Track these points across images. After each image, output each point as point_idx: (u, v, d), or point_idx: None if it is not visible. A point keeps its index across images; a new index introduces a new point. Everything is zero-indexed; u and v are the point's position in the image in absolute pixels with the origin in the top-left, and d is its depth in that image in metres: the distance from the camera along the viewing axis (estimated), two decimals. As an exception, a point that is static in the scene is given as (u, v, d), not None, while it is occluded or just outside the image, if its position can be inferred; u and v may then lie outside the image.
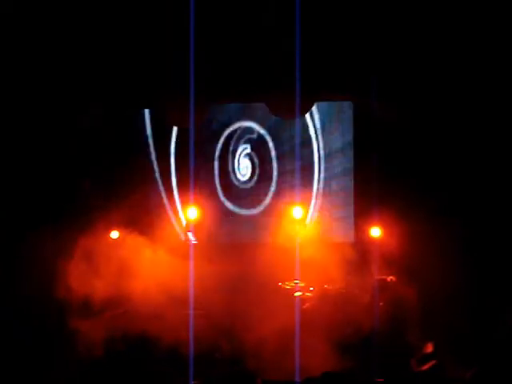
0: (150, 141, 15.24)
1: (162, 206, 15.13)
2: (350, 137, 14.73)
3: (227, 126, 15.26)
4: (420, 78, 13.33)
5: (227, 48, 13.48)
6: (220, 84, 13.81)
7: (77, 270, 12.48)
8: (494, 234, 13.33)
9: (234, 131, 15.25)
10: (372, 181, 13.56)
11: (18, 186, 13.71)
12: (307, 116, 14.84)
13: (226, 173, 15.24)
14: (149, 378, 10.49)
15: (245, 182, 15.25)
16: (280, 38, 12.92)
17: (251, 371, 8.08)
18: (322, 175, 14.92)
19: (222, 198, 15.16)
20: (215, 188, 15.14)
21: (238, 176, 15.22)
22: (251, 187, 15.19)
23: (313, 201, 14.84)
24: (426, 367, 11.41)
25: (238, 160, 15.22)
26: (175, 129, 15.21)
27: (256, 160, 15.19)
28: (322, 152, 14.94)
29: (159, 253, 13.10)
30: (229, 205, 15.20)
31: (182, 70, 12.43)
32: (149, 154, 15.20)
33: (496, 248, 13.20)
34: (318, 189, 14.90)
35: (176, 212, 15.05)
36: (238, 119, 15.25)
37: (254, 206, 15.10)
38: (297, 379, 9.56)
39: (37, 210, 13.72)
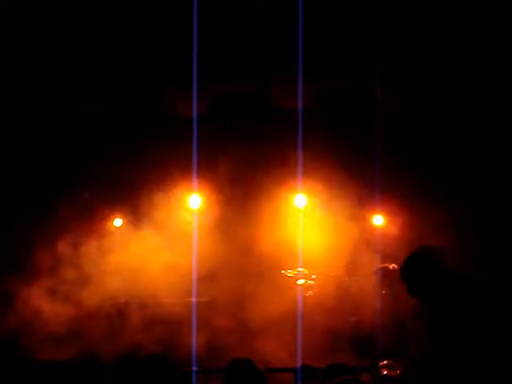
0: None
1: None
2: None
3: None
4: (424, 66, 13.30)
5: (229, 36, 13.45)
6: (222, 72, 13.79)
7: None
8: (499, 224, 13.32)
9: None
10: (375, 169, 13.56)
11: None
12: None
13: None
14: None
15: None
16: (283, 24, 12.88)
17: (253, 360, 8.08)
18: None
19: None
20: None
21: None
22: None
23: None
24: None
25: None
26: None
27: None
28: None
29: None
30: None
31: (185, 60, 12.43)
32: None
33: (500, 238, 13.20)
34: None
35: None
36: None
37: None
38: (299, 366, 9.60)
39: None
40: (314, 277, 13.78)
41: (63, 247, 13.21)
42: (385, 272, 13.29)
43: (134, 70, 13.73)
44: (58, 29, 13.13)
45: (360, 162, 14.30)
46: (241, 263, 13.36)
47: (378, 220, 13.94)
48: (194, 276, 12.35)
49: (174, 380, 9.87)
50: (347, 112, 14.33)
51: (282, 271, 13.79)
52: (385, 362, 10.71)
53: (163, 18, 13.06)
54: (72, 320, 12.74)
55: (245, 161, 14.61)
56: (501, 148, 13.30)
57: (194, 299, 12.35)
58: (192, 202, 14.25)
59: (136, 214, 13.78)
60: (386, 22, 12.93)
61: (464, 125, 13.40)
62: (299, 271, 13.77)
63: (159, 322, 12.74)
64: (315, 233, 13.80)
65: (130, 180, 14.02)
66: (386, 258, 13.26)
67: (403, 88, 13.47)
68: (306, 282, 13.72)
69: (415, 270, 8.06)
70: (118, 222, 13.95)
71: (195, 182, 13.93)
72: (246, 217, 14.24)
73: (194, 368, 10.10)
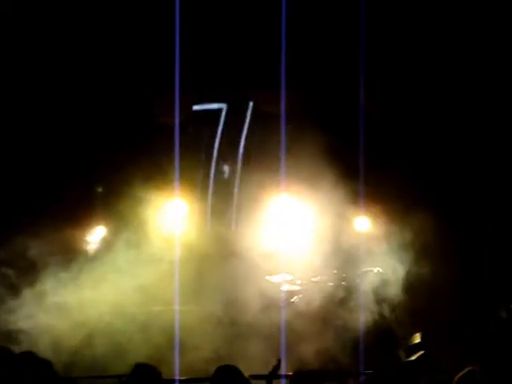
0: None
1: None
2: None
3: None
4: (407, 70, 13.37)
5: (214, 47, 13.51)
6: (207, 83, 13.81)
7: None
8: (487, 225, 13.35)
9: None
10: (358, 172, 13.54)
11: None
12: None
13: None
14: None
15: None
16: (266, 35, 12.94)
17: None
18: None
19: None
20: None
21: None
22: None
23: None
24: (414, 357, 11.41)
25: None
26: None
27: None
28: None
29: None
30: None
31: (170, 70, 12.44)
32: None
33: (488, 239, 13.22)
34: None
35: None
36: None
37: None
38: (283, 373, 9.54)
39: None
40: (298, 282, 13.74)
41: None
42: (369, 276, 13.30)
43: (122, 76, 13.76)
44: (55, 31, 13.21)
45: (344, 164, 14.30)
46: (225, 268, 13.31)
47: (363, 223, 13.91)
48: (177, 283, 12.29)
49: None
50: (332, 114, 14.34)
51: (267, 277, 13.72)
52: None
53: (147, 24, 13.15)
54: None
55: (230, 164, 14.63)
56: (486, 148, 13.35)
57: (177, 307, 12.28)
58: (175, 208, 14.19)
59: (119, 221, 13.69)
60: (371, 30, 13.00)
61: (446, 126, 13.45)
62: (283, 277, 13.72)
63: (144, 330, 12.66)
64: (299, 237, 13.76)
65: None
66: (370, 261, 13.30)
67: (386, 94, 13.51)
68: (290, 288, 13.68)
69: None
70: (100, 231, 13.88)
71: (178, 188, 13.88)
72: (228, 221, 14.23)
73: (177, 377, 10.02)
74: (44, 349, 11.06)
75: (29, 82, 13.38)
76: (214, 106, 14.72)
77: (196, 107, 14.61)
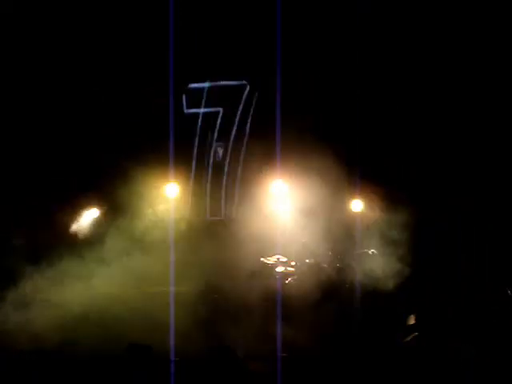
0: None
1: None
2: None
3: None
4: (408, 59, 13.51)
5: (211, 29, 13.54)
6: (203, 63, 13.81)
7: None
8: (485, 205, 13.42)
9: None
10: (355, 155, 13.55)
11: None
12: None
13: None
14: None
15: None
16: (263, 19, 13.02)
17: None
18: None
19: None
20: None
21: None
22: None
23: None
24: (408, 339, 11.43)
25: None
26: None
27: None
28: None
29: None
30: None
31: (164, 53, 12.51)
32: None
33: (487, 218, 13.28)
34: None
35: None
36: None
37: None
38: (278, 354, 9.56)
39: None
40: (293, 264, 13.73)
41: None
42: (364, 257, 13.30)
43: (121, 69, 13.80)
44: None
45: (339, 148, 14.27)
46: (221, 251, 13.31)
47: (357, 205, 13.90)
48: (172, 265, 12.28)
49: (154, 370, 9.85)
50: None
51: (261, 259, 13.72)
52: None
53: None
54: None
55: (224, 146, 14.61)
56: (474, 142, 13.43)
57: (172, 288, 12.28)
58: (169, 191, 14.16)
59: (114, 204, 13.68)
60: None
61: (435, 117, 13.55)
62: (278, 259, 13.71)
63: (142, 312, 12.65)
64: (293, 220, 13.75)
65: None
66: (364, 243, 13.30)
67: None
68: (285, 270, 13.67)
69: None
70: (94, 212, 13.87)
71: (172, 172, 13.86)
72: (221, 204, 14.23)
73: (173, 358, 10.03)
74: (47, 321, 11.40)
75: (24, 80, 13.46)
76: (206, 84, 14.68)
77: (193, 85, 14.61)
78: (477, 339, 10.92)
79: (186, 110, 14.63)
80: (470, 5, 13.13)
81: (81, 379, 9.93)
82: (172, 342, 10.54)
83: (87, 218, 13.87)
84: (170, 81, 12.91)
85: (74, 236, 13.74)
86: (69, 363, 10.27)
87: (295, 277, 13.52)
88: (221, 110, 14.79)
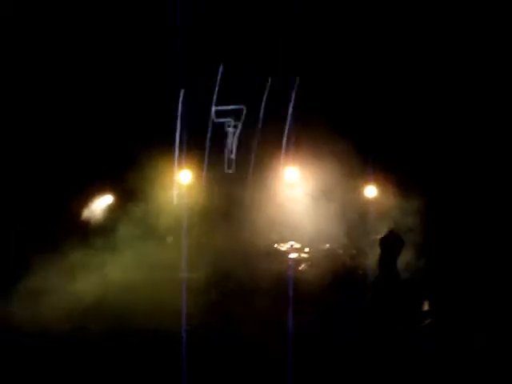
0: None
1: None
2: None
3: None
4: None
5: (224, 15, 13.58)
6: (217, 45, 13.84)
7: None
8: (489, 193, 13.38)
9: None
10: (369, 143, 13.54)
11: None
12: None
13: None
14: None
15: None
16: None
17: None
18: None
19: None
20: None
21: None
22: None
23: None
24: (422, 325, 11.38)
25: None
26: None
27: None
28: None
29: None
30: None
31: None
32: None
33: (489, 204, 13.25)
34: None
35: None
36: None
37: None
38: (290, 336, 9.54)
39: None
40: (307, 250, 13.70)
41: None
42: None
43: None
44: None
45: (352, 135, 14.25)
46: (234, 238, 13.31)
47: (371, 192, 13.87)
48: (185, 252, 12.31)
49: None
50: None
51: (275, 245, 13.70)
52: None
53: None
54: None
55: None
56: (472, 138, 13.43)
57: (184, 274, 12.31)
58: (182, 178, 14.14)
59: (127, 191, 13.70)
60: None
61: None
62: (292, 245, 13.69)
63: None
64: (307, 206, 13.72)
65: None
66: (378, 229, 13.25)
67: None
68: (299, 256, 13.64)
69: None
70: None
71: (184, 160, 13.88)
72: (238, 190, 14.21)
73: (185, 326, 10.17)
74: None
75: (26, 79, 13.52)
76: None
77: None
78: (490, 327, 10.87)
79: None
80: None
81: (92, 362, 9.99)
82: (184, 312, 10.59)
83: (100, 205, 13.89)
84: (183, 68, 12.91)
85: (87, 223, 13.75)
86: (80, 347, 10.34)
87: (309, 263, 13.49)
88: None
